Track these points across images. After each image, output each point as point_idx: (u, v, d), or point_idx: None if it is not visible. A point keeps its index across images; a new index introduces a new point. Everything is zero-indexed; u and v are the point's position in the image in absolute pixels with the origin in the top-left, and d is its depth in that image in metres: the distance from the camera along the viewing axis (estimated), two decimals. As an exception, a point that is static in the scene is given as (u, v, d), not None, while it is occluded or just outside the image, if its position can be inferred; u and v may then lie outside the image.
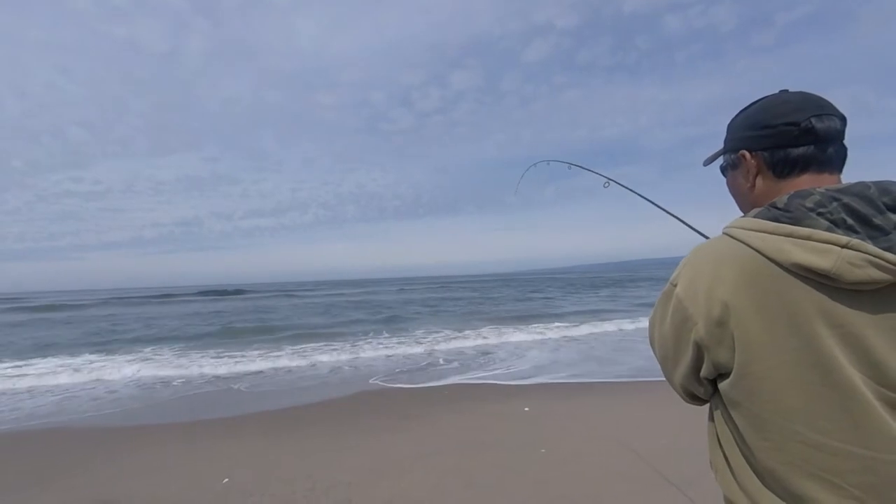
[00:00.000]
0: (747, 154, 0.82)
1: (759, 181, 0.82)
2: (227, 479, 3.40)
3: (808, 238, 0.65)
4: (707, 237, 1.23)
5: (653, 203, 1.61)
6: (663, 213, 1.50)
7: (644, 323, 11.30)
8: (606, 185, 1.82)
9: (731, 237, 0.74)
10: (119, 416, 5.43)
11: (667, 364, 0.86)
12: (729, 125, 0.89)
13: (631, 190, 1.67)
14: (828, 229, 0.65)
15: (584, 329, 11.81)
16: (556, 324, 13.16)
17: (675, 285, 0.78)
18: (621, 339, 10.05)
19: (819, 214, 0.67)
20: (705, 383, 0.80)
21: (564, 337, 10.71)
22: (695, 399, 0.87)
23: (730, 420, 0.76)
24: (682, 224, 1.42)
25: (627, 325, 12.21)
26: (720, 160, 0.94)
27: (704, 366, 0.76)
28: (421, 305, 22.92)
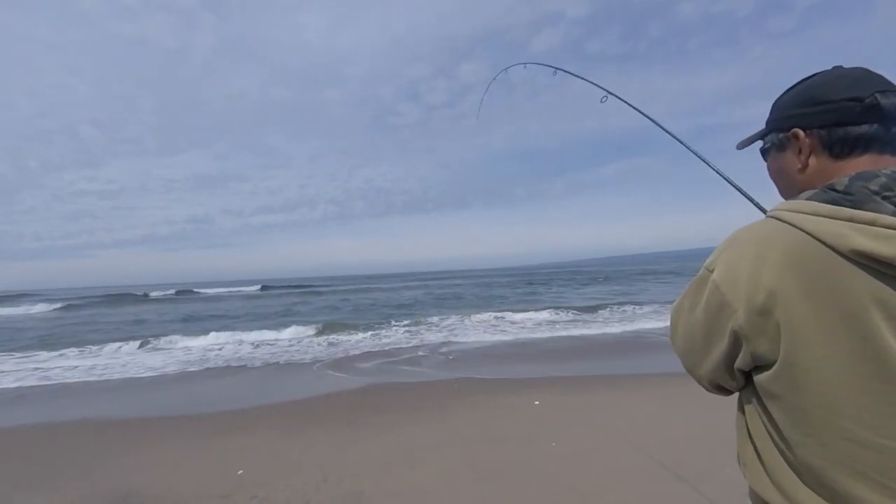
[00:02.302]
0: (801, 132, 0.74)
1: (812, 161, 0.74)
2: (241, 471, 3.45)
3: (872, 223, 0.60)
4: (755, 202, 1.12)
5: (661, 127, 1.43)
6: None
7: (634, 324, 11.27)
8: (604, 99, 1.65)
9: (780, 220, 0.68)
10: (136, 408, 5.54)
11: (692, 355, 0.81)
12: (776, 103, 0.82)
13: (633, 107, 1.50)
14: (894, 214, 0.60)
15: (589, 327, 11.76)
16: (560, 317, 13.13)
17: (711, 271, 0.72)
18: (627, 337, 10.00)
19: (885, 198, 0.62)
20: (738, 375, 0.75)
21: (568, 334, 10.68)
22: (721, 390, 0.82)
23: (765, 414, 0.71)
24: (710, 169, 1.25)
25: (615, 326, 12.13)
26: (759, 142, 0.87)
27: (741, 356, 0.71)
28: (436, 300, 22.97)
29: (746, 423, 0.76)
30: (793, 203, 0.70)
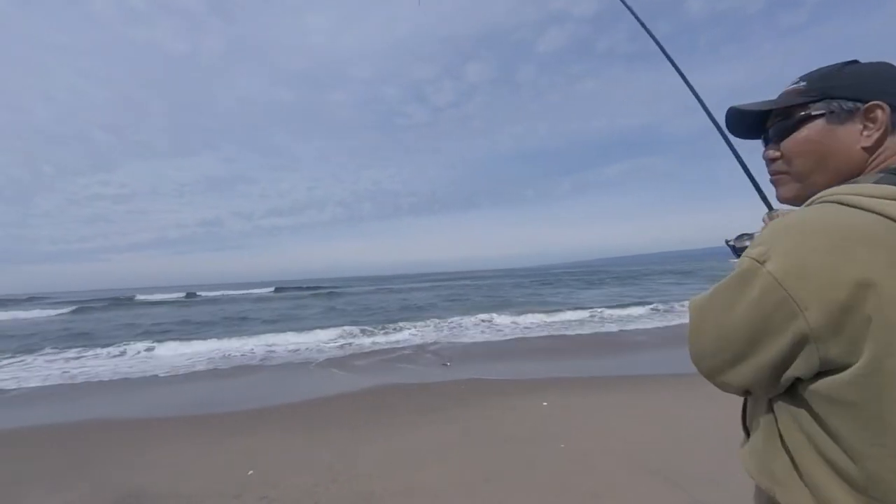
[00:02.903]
0: (885, 106, 0.67)
1: (888, 140, 0.68)
2: (251, 471, 3.48)
3: None
4: (759, 192, 1.00)
5: (649, 33, 1.28)
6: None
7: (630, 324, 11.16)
8: None
9: (848, 205, 0.60)
10: (149, 408, 5.59)
11: (722, 357, 0.69)
12: (847, 71, 0.72)
13: (633, 13, 1.38)
14: None
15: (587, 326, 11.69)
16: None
17: (763, 262, 0.61)
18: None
19: None
20: (781, 382, 0.64)
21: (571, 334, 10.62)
22: (745, 394, 0.74)
23: (816, 423, 0.62)
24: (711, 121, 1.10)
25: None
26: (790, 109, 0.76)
27: (801, 361, 0.60)
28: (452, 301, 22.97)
29: (779, 433, 0.67)
30: (857, 187, 0.63)
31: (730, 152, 1.08)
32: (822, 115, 0.72)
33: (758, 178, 1.04)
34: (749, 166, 1.06)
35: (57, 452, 4.18)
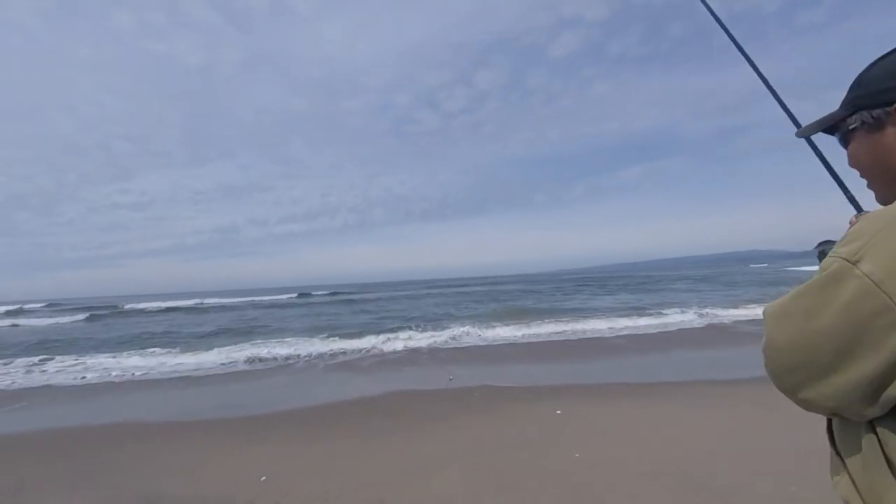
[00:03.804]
0: None
1: None
2: (264, 477, 3.49)
3: None
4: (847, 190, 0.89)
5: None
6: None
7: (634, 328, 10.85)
8: None
9: None
10: (166, 412, 5.67)
11: (806, 372, 0.60)
12: (864, 77, 0.69)
13: (712, 13, 1.31)
14: None
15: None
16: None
17: (855, 262, 0.54)
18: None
19: None
20: (881, 402, 0.56)
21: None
22: (833, 414, 0.65)
23: None
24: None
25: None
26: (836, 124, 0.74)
27: None
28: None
29: (887, 459, 0.58)
30: None
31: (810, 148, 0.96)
32: (860, 127, 0.69)
33: (843, 177, 0.93)
34: (831, 162, 0.94)
35: (75, 455, 4.26)
